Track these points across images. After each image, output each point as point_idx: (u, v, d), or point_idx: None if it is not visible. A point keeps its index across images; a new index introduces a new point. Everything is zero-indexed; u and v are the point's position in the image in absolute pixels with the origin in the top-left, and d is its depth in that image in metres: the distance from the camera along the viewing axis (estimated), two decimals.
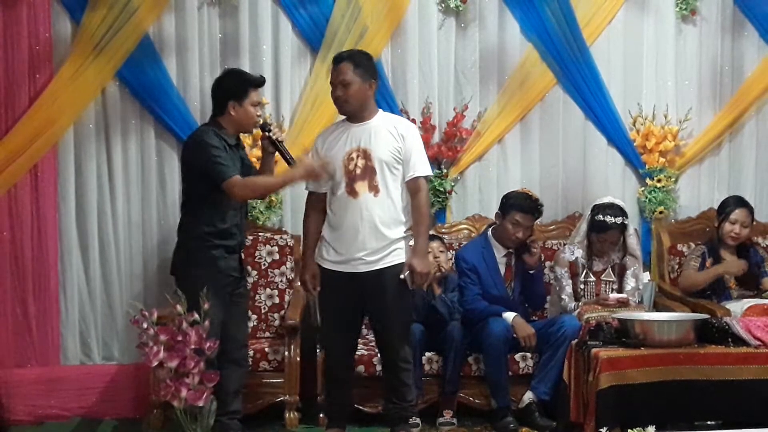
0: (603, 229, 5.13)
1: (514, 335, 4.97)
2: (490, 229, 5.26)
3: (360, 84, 4.30)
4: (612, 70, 5.79)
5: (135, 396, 5.21)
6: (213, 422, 3.78)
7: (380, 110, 4.47)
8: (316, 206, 4.47)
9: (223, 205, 4.39)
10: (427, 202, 4.45)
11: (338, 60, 4.36)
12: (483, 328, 4.94)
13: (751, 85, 5.86)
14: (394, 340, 4.38)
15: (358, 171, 4.29)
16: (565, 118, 5.81)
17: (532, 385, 4.93)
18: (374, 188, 4.28)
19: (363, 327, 5.44)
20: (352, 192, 4.29)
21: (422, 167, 4.35)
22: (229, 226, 4.42)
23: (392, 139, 4.31)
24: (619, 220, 5.12)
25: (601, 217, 5.13)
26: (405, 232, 4.35)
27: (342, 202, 4.33)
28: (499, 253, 5.18)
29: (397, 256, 4.32)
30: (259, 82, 4.56)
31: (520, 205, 5.07)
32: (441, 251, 5.16)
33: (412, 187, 4.33)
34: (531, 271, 5.15)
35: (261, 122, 4.52)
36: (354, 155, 4.30)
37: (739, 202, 5.44)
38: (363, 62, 4.34)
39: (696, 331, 4.59)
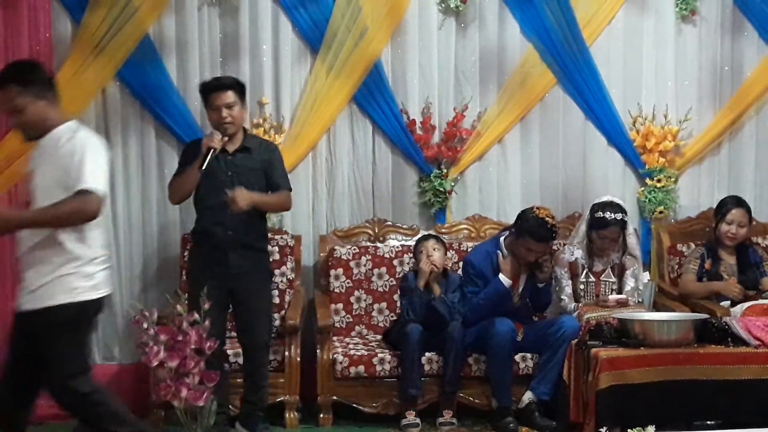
0: (603, 226, 5.12)
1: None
2: (503, 236, 5.18)
3: (33, 103, 3.66)
4: (612, 70, 5.79)
5: (135, 396, 5.19)
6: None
7: (69, 123, 3.72)
8: None
9: (200, 204, 4.72)
10: (69, 211, 3.52)
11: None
12: (489, 327, 4.92)
13: (751, 85, 5.85)
14: None
15: (29, 199, 3.67)
16: (565, 118, 5.80)
17: (532, 385, 4.92)
18: None
19: (363, 328, 5.49)
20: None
21: (81, 181, 3.51)
22: (209, 223, 4.65)
23: (58, 158, 3.58)
24: (618, 216, 5.12)
25: (600, 213, 5.13)
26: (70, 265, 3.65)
27: None
28: None
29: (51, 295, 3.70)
30: (207, 86, 4.66)
31: (534, 233, 4.94)
32: (435, 249, 5.11)
33: None
34: (540, 285, 5.12)
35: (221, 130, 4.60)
36: (29, 178, 3.70)
37: (736, 201, 5.43)
38: (28, 79, 3.69)
39: (696, 331, 4.58)
